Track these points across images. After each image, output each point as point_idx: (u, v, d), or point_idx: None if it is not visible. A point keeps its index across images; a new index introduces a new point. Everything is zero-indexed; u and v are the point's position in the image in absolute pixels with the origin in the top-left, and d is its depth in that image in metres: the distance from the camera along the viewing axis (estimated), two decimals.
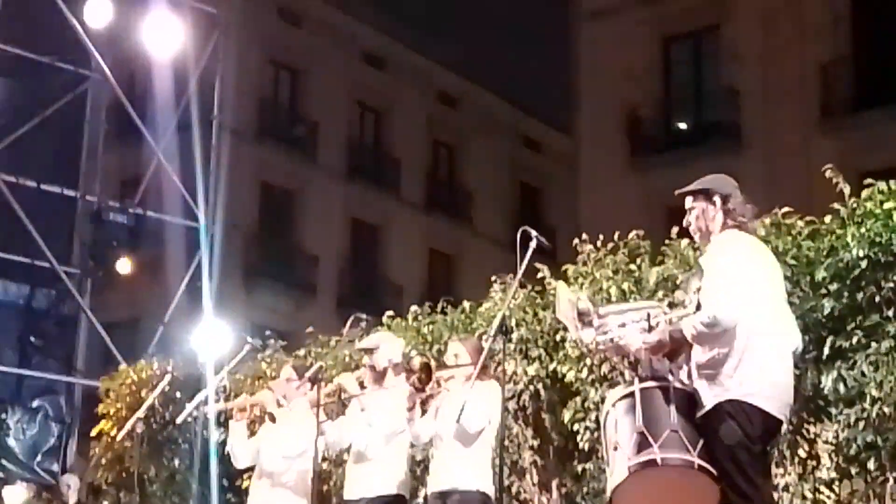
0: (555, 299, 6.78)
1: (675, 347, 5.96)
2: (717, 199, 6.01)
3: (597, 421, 8.16)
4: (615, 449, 5.80)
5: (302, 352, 11.53)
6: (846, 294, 7.35)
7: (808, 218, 7.87)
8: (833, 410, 7.37)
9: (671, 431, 5.65)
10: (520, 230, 6.55)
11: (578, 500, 8.90)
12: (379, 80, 32.05)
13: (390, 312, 10.69)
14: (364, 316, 10.67)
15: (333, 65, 30.70)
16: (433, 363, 7.73)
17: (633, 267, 8.72)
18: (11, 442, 16.97)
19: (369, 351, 8.32)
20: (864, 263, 7.28)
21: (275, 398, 8.92)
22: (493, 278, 9.76)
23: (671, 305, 6.65)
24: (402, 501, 8.13)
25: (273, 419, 8.74)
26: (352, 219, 31.15)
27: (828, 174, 7.77)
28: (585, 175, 26.05)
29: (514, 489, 9.13)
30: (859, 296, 7.31)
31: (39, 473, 16.75)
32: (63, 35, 17.20)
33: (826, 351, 7.28)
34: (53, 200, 17.91)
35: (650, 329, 5.98)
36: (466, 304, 10.10)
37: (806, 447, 7.63)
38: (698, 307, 5.88)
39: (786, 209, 7.94)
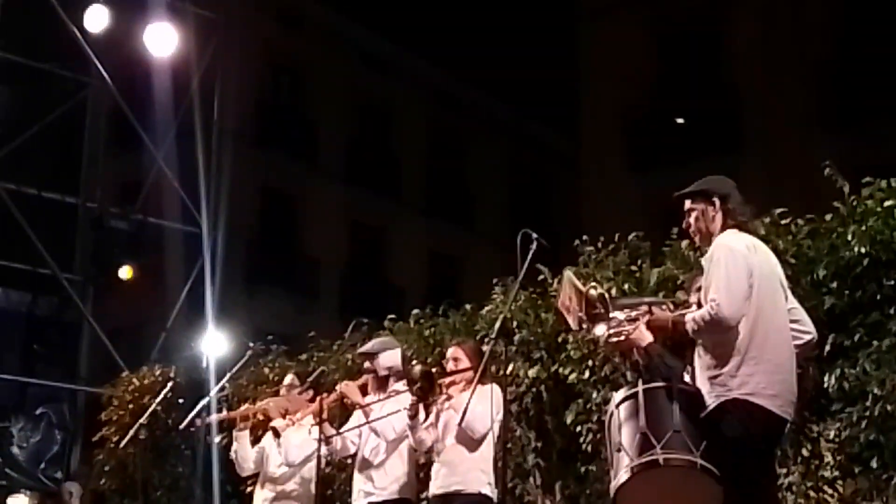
0: (559, 292, 6.73)
1: (679, 341, 5.96)
2: (715, 199, 6.02)
3: (599, 422, 8.17)
4: (618, 450, 5.79)
5: (304, 356, 11.53)
6: (847, 292, 7.35)
7: (807, 216, 7.87)
8: (835, 409, 7.36)
9: (674, 432, 5.64)
10: (520, 232, 6.56)
11: (582, 501, 8.88)
12: (379, 82, 32.02)
13: (392, 316, 10.68)
14: (365, 320, 10.69)
15: (333, 67, 30.68)
16: (434, 371, 7.73)
17: (633, 268, 8.73)
18: (15, 450, 16.96)
19: (370, 356, 8.32)
20: (865, 261, 7.28)
21: (278, 409, 8.92)
22: (495, 280, 9.76)
23: (674, 305, 6.63)
24: None
25: (277, 434, 8.74)
26: (353, 222, 31.13)
27: (826, 172, 7.78)
28: (587, 176, 26.07)
29: (517, 491, 9.12)
30: (860, 294, 7.31)
31: (43, 481, 16.73)
32: (62, 42, 17.19)
33: (827, 349, 7.28)
34: (54, 208, 17.90)
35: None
36: (468, 307, 10.10)
37: (809, 446, 7.62)
38: (699, 307, 5.88)
39: (779, 210, 7.93)
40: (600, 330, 6.12)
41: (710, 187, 6.07)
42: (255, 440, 9.27)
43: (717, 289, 5.68)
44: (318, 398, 8.25)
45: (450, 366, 7.77)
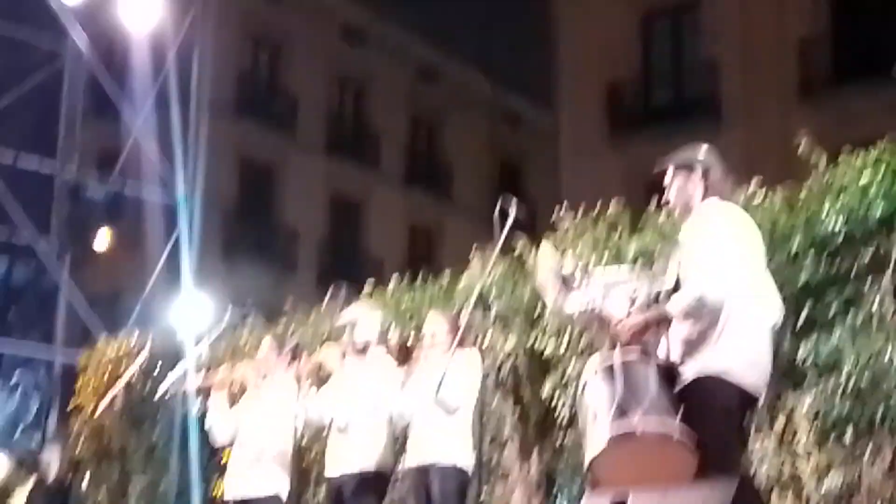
0: (535, 266, 6.73)
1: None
2: (699, 171, 5.96)
3: (575, 394, 8.18)
4: (594, 419, 5.80)
5: (281, 325, 11.52)
6: (822, 265, 7.37)
7: (784, 189, 7.88)
8: (809, 381, 7.40)
9: (651, 403, 5.66)
10: (499, 202, 6.56)
11: (557, 472, 8.92)
12: (358, 54, 31.95)
13: (371, 280, 10.68)
14: (343, 286, 10.68)
15: (312, 39, 30.59)
16: (410, 342, 7.75)
17: (611, 240, 8.73)
18: None
19: (349, 325, 8.32)
20: (840, 235, 7.30)
21: (256, 373, 8.92)
22: (472, 250, 9.76)
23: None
24: (382, 479, 8.12)
25: (253, 394, 8.75)
26: (332, 194, 31.09)
27: (802, 145, 7.78)
28: (566, 149, 26.04)
29: (493, 462, 9.15)
30: (835, 267, 7.33)
31: (19, 447, 16.73)
32: (40, 9, 17.09)
33: (802, 322, 7.30)
34: (31, 175, 17.85)
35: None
36: (445, 277, 10.10)
37: (782, 418, 7.65)
38: (677, 282, 5.86)
39: (753, 187, 7.92)
40: (573, 304, 6.10)
41: (695, 158, 6.02)
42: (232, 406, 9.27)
43: (700, 268, 5.63)
44: (295, 361, 8.26)
45: (428, 332, 7.79)
